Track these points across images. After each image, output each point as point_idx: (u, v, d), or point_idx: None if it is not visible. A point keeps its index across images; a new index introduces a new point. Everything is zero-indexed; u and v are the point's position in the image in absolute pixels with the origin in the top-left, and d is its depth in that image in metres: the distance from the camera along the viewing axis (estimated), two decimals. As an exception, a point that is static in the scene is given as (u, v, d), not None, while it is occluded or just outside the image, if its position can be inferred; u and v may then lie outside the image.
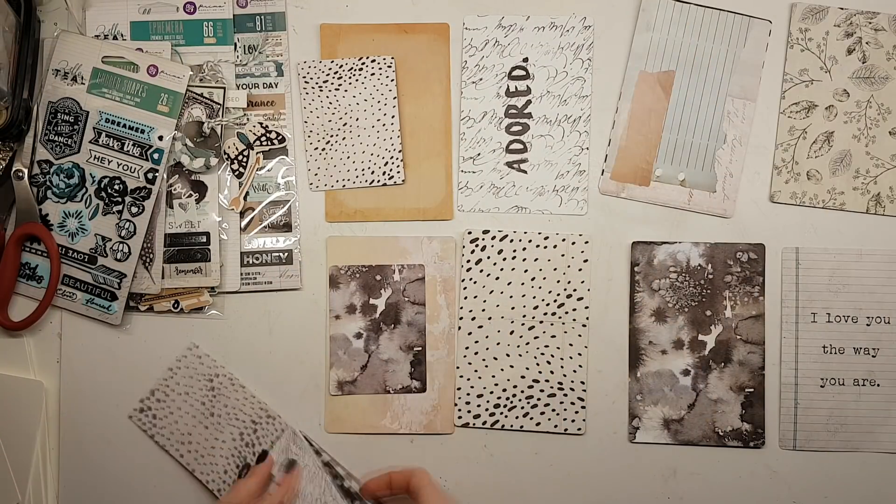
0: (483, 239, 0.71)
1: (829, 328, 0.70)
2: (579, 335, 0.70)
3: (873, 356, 0.70)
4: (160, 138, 0.69)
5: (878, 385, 0.70)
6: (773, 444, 0.70)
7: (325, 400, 0.70)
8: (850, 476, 0.70)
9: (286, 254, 0.71)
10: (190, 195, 0.70)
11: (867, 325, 0.70)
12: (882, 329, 0.70)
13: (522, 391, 0.70)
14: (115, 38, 0.71)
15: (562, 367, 0.70)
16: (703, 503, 0.70)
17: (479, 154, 0.71)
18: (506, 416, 0.70)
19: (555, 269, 0.70)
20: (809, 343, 0.70)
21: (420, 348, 0.70)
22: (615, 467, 0.70)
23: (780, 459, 0.70)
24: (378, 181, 0.71)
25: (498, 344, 0.70)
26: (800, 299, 0.70)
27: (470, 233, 0.71)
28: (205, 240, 0.70)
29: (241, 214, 0.71)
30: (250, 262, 0.71)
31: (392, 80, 0.71)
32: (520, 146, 0.71)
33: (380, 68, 0.71)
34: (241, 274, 0.70)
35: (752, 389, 0.70)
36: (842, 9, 0.71)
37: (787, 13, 0.71)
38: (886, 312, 0.70)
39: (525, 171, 0.71)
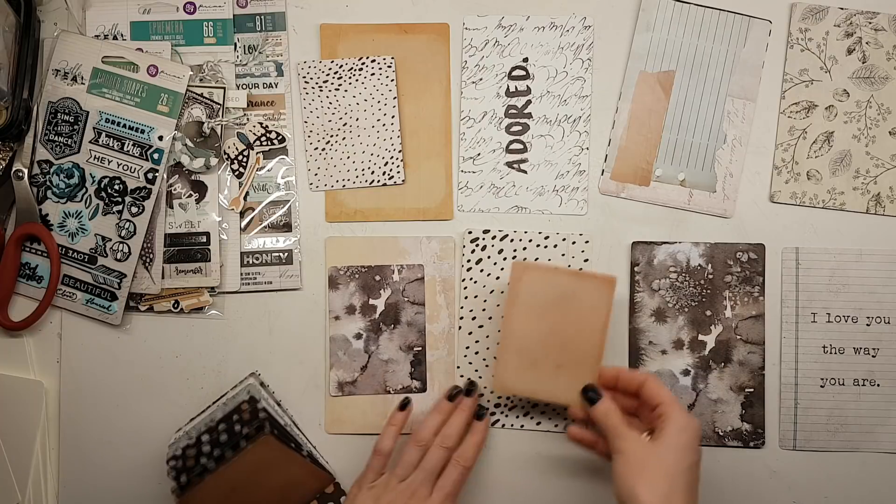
0: (483, 239, 0.71)
1: (829, 328, 0.70)
2: (579, 335, 0.70)
3: (873, 356, 0.70)
4: (160, 138, 0.69)
5: (878, 385, 0.70)
6: (773, 444, 0.70)
7: (325, 400, 0.70)
8: (850, 476, 0.70)
9: (286, 254, 0.71)
10: (190, 195, 0.70)
11: (867, 325, 0.70)
12: (882, 329, 0.70)
13: (522, 391, 0.70)
14: (115, 38, 0.71)
15: (562, 367, 0.70)
16: (702, 503, 0.70)
17: (479, 154, 0.71)
18: (506, 416, 0.70)
19: (555, 269, 0.70)
20: (809, 343, 0.70)
21: (420, 348, 0.70)
22: (615, 467, 0.70)
23: (780, 459, 0.70)
24: (378, 181, 0.71)
25: (498, 344, 0.70)
26: (800, 299, 0.70)
27: (470, 232, 0.71)
28: (205, 240, 0.70)
29: (241, 214, 0.71)
30: (250, 262, 0.71)
31: (392, 80, 0.71)
32: (520, 146, 0.71)
33: (380, 68, 0.71)
34: (241, 274, 0.70)
35: (752, 389, 0.69)
36: (842, 9, 0.70)
37: (787, 13, 0.71)
38: (886, 312, 0.70)
39: (525, 171, 0.71)
